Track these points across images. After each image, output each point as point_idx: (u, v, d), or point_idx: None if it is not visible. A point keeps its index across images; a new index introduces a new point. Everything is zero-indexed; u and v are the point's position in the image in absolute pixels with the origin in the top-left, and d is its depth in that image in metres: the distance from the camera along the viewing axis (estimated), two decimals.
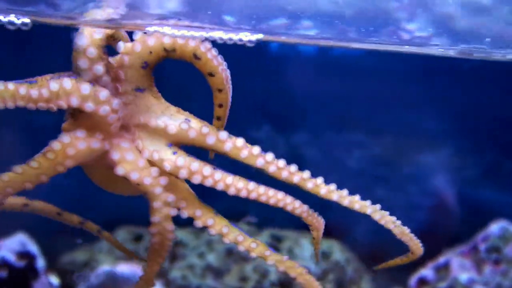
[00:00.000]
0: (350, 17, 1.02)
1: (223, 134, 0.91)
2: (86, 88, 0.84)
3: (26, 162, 0.89)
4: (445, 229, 3.00)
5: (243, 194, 0.94)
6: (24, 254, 2.21)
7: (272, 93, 2.75)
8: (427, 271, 2.58)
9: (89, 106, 0.85)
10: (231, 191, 0.93)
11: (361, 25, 1.03)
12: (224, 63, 0.93)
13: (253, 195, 0.94)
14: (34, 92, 0.83)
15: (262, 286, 2.55)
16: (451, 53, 1.23)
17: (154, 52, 0.87)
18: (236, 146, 0.92)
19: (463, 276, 2.46)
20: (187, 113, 0.95)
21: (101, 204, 2.16)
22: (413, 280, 2.59)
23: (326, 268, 2.68)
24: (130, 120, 0.92)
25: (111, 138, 0.90)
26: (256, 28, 1.02)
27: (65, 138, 0.87)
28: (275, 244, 2.70)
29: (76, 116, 0.90)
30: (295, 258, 2.65)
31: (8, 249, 2.20)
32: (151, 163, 0.91)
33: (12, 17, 0.93)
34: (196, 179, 0.91)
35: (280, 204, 0.96)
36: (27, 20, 0.94)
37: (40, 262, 2.26)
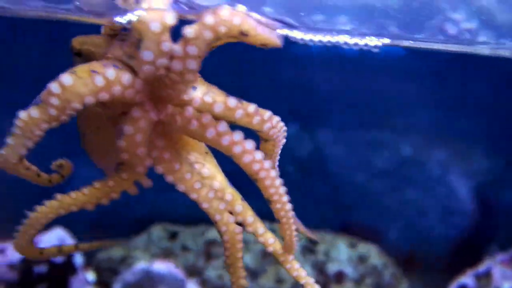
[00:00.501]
0: (392, 10, 1.00)
1: (232, 101, 0.85)
2: (100, 79, 0.79)
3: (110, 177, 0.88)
4: (483, 236, 2.94)
5: (247, 159, 0.87)
6: None
7: (299, 90, 2.74)
8: (467, 279, 2.54)
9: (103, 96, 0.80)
10: (237, 149, 0.87)
11: (403, 19, 1.01)
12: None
13: (256, 167, 0.88)
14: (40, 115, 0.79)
15: None
16: (501, 52, 1.18)
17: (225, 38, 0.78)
18: (248, 113, 0.86)
19: (506, 286, 2.41)
20: (202, 81, 0.90)
21: (136, 201, 2.19)
22: (452, 287, 2.55)
23: (363, 272, 2.66)
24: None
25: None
26: (299, 21, 1.00)
27: (127, 129, 0.83)
28: (311, 246, 2.69)
29: (106, 107, 0.87)
30: (331, 260, 2.64)
31: (48, 244, 2.19)
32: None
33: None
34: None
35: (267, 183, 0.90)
36: None
37: (78, 258, 2.28)
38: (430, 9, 1.02)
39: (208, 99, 0.85)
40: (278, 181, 0.90)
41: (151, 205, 2.66)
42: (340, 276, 2.61)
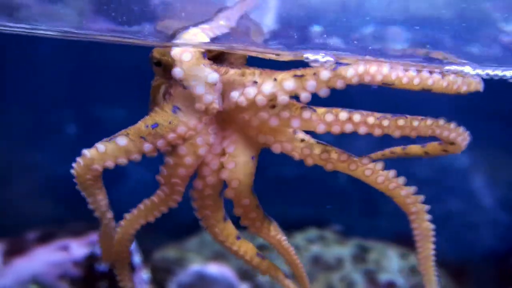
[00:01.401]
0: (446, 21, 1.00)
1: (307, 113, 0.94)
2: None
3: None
4: None
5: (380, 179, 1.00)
6: None
7: (339, 96, 2.72)
8: None
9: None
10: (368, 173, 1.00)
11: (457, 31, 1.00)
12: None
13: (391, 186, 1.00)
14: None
15: None
16: None
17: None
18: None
19: None
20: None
21: (189, 204, 2.25)
22: None
23: (415, 283, 2.63)
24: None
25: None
26: (347, 40, 1.02)
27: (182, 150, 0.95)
28: (361, 255, 2.68)
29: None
30: (382, 270, 2.63)
31: None
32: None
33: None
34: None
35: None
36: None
37: (137, 258, 2.32)
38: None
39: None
40: (419, 199, 1.00)
41: None
42: (391, 287, 2.59)
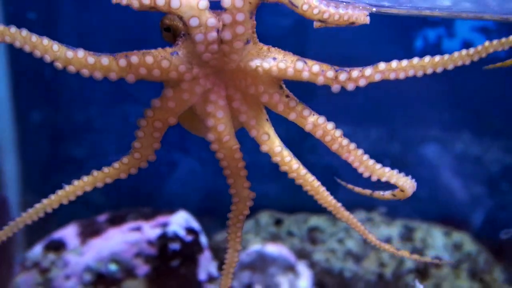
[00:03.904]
0: None
1: (300, 64, 0.93)
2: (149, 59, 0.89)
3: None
4: None
5: (335, 147, 1.00)
6: (190, 230, 2.34)
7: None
8: None
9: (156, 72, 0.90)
10: (319, 134, 0.99)
11: None
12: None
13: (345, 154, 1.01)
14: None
15: (401, 272, 2.62)
16: None
17: None
18: (312, 72, 0.93)
19: None
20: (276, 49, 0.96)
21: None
22: None
23: (459, 259, 2.70)
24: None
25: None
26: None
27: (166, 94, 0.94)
28: (408, 234, 2.77)
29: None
30: (428, 247, 2.70)
31: (177, 224, 2.32)
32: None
33: None
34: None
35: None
36: None
37: (203, 238, 2.39)
38: None
39: (282, 65, 0.93)
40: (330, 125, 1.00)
41: (258, 194, 2.73)
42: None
